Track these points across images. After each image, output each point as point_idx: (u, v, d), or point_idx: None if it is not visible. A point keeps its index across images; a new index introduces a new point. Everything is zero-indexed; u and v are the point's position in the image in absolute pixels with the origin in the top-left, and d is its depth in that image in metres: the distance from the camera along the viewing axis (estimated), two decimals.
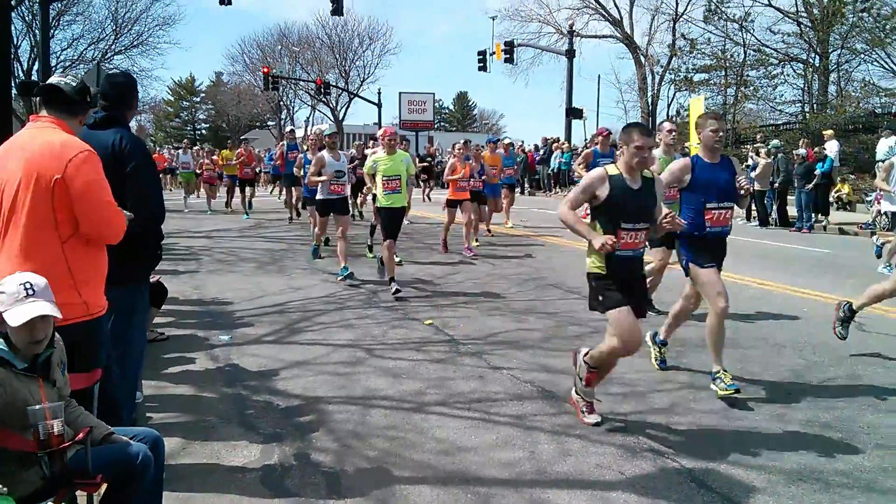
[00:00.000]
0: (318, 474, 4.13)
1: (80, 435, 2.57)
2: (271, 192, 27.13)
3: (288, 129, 14.92)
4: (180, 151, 22.80)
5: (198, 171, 22.42)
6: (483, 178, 13.21)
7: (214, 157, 22.65)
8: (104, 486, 2.77)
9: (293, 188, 17.60)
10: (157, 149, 31.59)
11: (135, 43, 36.59)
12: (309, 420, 4.96)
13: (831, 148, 18.31)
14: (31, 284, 2.72)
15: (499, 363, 6.21)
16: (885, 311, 7.98)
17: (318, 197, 10.38)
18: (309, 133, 51.15)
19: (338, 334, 7.16)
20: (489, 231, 15.05)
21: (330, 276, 10.28)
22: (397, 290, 8.70)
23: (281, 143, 19.36)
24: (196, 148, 28.34)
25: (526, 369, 6.03)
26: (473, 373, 5.98)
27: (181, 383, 5.75)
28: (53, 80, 3.32)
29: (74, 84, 3.28)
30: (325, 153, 10.20)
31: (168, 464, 4.24)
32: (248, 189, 19.89)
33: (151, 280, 7.03)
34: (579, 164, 10.83)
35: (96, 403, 3.09)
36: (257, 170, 23.31)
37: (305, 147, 13.78)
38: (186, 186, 22.74)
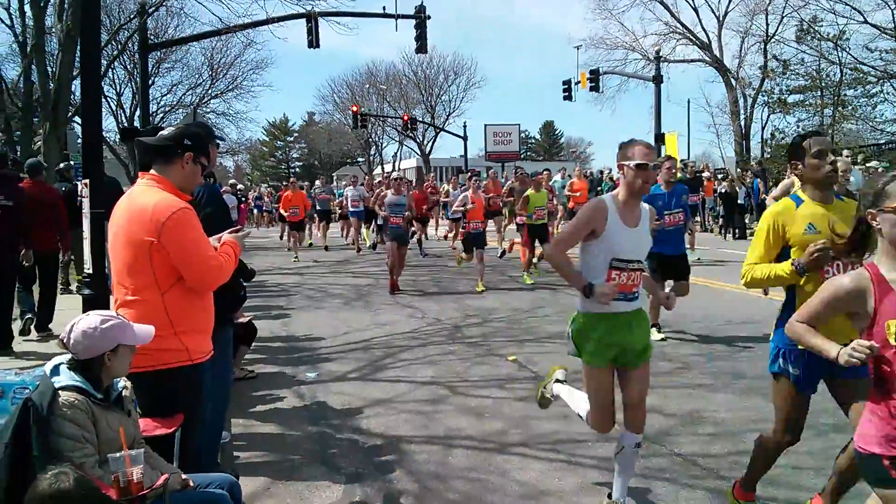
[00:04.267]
0: None
1: (159, 482, 2.62)
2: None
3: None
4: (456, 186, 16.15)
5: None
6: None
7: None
8: None
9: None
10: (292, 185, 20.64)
11: (230, 87, 38.15)
12: (390, 460, 4.94)
13: None
14: (117, 315, 3.00)
15: None
16: None
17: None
18: (398, 169, 52.03)
19: (421, 371, 7.16)
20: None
21: (415, 311, 10.34)
22: None
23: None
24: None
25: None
26: (557, 412, 5.80)
27: (268, 421, 5.84)
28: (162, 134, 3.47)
29: (166, 134, 3.40)
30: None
31: None
32: None
33: (242, 319, 7.27)
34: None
35: (177, 449, 3.16)
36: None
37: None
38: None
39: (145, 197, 3.23)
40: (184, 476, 2.86)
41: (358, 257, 18.55)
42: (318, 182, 23.35)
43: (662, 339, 8.02)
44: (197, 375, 3.28)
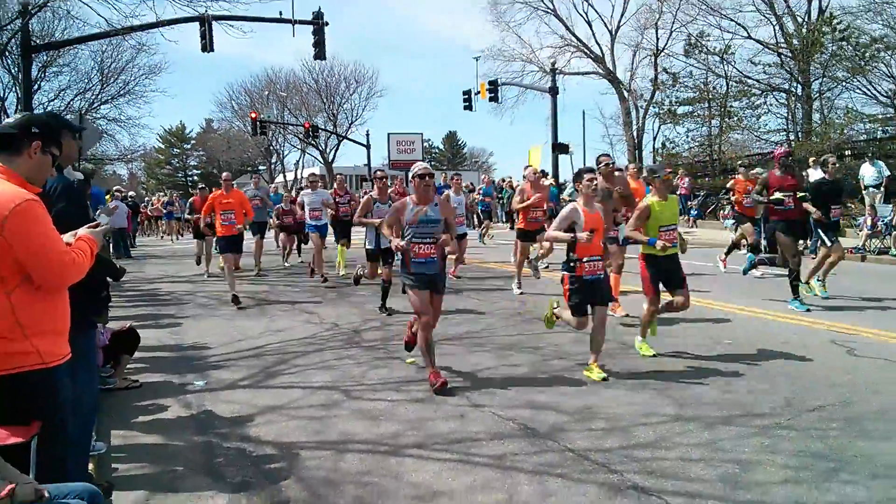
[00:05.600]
0: None
1: (3, 492, 2.39)
2: None
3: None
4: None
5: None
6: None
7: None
8: None
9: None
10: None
11: (121, 92, 36.40)
12: (280, 467, 4.76)
13: (814, 175, 18.28)
14: None
15: (480, 401, 6.02)
16: (875, 335, 7.86)
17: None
18: (302, 176, 51.05)
19: (316, 376, 6.96)
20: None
21: (312, 317, 10.11)
22: None
23: None
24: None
25: (509, 406, 5.84)
26: (454, 412, 5.79)
27: (151, 432, 5.54)
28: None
29: (11, 122, 3.16)
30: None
31: None
32: None
33: (123, 326, 6.91)
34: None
35: (33, 459, 2.90)
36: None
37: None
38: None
39: None
40: (38, 486, 2.63)
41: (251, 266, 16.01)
42: (249, 186, 16.70)
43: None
44: (52, 380, 3.02)
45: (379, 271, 10.68)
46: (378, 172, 10.93)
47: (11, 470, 2.66)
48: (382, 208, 9.83)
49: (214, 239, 13.19)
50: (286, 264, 17.19)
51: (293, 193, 20.28)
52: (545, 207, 11.92)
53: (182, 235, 32.42)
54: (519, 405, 5.88)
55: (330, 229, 14.65)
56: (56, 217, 3.22)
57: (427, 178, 6.47)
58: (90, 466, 4.38)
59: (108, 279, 4.46)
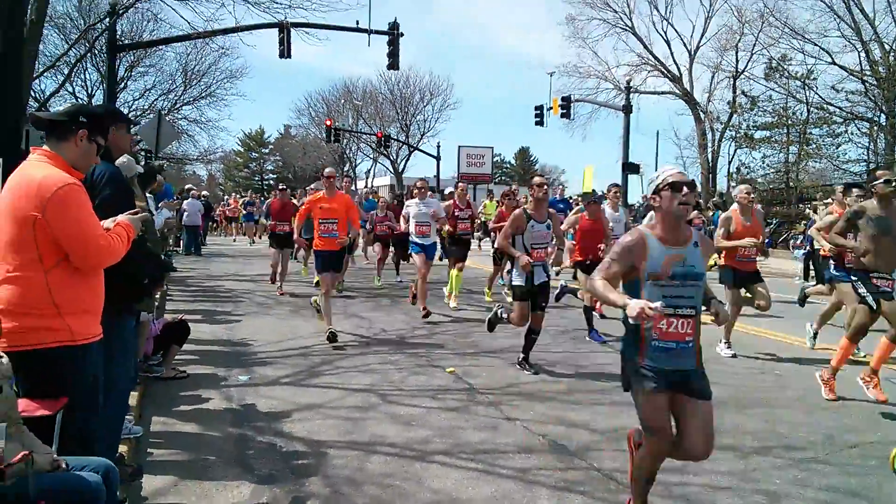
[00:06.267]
0: None
1: (17, 458, 2.52)
2: None
3: None
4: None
5: None
6: None
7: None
8: None
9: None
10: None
11: (203, 94, 37.75)
12: (307, 464, 4.85)
13: None
14: None
15: (514, 414, 6.01)
16: None
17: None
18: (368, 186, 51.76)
19: (356, 379, 7.06)
20: None
21: (363, 321, 10.25)
22: None
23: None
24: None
25: (541, 421, 5.81)
26: (486, 423, 5.79)
27: (190, 421, 5.72)
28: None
29: (62, 109, 3.35)
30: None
31: (156, 502, 4.22)
32: None
33: (176, 318, 7.16)
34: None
35: (57, 431, 3.05)
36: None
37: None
38: None
39: (33, 171, 3.14)
40: (55, 457, 2.77)
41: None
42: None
43: None
44: (81, 357, 3.17)
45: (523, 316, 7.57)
46: (536, 178, 7.77)
47: (33, 439, 2.81)
48: (539, 230, 7.43)
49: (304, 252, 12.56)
50: (377, 283, 15.04)
51: (386, 197, 17.64)
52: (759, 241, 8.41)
53: (257, 240, 29.17)
54: (552, 421, 5.84)
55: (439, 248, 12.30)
56: (100, 203, 3.39)
57: (688, 190, 3.64)
58: (124, 449, 4.55)
59: (154, 270, 4.61)
